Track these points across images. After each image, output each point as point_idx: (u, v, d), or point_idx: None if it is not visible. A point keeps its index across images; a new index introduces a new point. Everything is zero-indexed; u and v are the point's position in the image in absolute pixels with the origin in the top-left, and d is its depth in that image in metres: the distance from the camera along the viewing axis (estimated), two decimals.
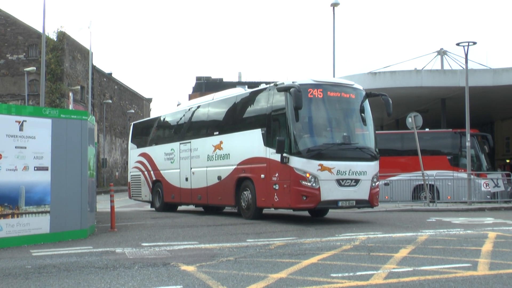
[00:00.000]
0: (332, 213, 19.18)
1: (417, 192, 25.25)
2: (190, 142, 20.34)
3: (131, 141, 25.90)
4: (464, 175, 24.47)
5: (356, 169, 15.43)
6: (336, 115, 16.15)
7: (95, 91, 59.83)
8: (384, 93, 17.13)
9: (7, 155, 11.92)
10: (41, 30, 28.67)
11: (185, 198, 20.68)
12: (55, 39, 51.02)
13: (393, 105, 17.07)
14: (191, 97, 75.88)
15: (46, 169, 12.59)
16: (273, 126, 15.85)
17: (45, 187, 12.58)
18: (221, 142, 18.34)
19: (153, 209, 23.37)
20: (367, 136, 16.36)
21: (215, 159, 18.57)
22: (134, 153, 25.08)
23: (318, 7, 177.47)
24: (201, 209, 22.78)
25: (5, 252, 11.04)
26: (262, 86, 17.31)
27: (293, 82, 15.27)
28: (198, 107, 20.71)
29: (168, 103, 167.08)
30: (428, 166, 23.68)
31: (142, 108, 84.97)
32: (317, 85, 15.64)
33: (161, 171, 22.38)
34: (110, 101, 64.03)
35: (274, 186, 15.56)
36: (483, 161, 26.29)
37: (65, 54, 51.40)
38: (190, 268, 8.71)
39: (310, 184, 14.86)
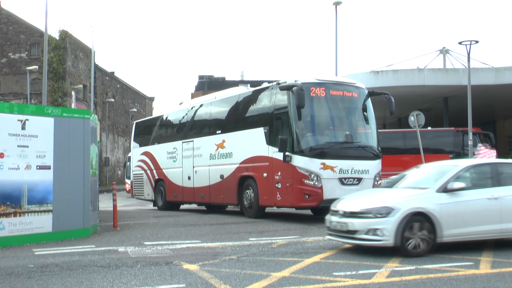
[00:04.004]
0: None
1: None
2: (192, 141, 20.35)
3: (134, 140, 25.90)
4: None
5: (359, 167, 15.43)
6: (339, 114, 16.14)
7: (97, 90, 59.85)
8: (386, 92, 17.13)
9: (9, 154, 11.94)
10: (43, 29, 28.69)
11: (188, 196, 20.69)
12: (58, 38, 51.00)
13: (396, 104, 17.06)
14: (193, 96, 75.89)
15: (48, 168, 12.62)
16: (276, 125, 15.85)
17: (47, 186, 12.60)
18: (223, 141, 18.34)
19: (156, 208, 23.39)
20: (370, 134, 16.35)
21: (218, 158, 18.57)
22: (136, 152, 25.10)
23: (320, 6, 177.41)
24: (203, 208, 22.79)
25: (7, 251, 11.06)
26: (265, 85, 17.30)
27: (295, 81, 15.27)
28: (201, 106, 20.72)
29: (171, 102, 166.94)
30: None
31: (145, 107, 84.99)
32: (320, 84, 15.63)
33: (163, 170, 22.39)
34: (112, 100, 64.02)
35: (276, 185, 15.56)
36: None
37: (67, 53, 51.41)
38: (192, 267, 8.72)
39: (312, 183, 14.87)
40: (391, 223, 9.39)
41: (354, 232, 9.67)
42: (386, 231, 9.39)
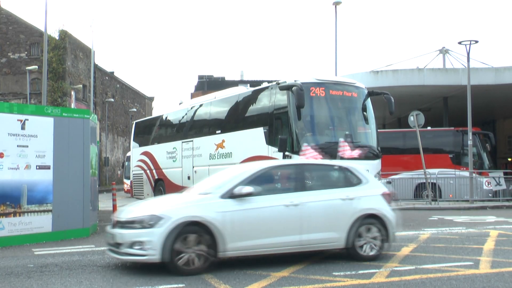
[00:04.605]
0: None
1: (419, 190, 25.24)
2: (192, 140, 20.35)
3: (133, 140, 25.91)
4: (466, 173, 24.44)
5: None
6: (338, 114, 16.14)
7: (97, 89, 59.84)
8: (386, 92, 17.12)
9: (9, 154, 11.94)
10: (43, 29, 28.69)
11: None
12: (57, 38, 51.01)
13: (395, 104, 17.05)
14: (193, 95, 75.90)
15: (48, 168, 12.61)
16: (275, 125, 15.85)
17: (47, 186, 12.59)
18: (223, 141, 18.34)
19: None
20: (369, 134, 16.35)
21: (217, 158, 18.57)
22: (136, 152, 25.09)
23: (320, 5, 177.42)
24: None
25: (7, 251, 11.05)
26: (264, 84, 17.30)
27: (295, 81, 15.27)
28: (200, 105, 20.72)
29: (170, 101, 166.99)
30: (430, 165, 23.65)
31: (144, 107, 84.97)
32: (319, 84, 15.63)
33: (163, 170, 22.38)
34: (112, 99, 63.97)
35: None
36: (485, 159, 26.27)
37: (67, 52, 51.40)
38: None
39: None
40: (157, 235, 7.99)
41: (120, 245, 8.30)
42: (152, 244, 7.98)
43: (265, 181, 9.16)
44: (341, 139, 14.64)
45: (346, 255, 9.30)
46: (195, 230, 8.16)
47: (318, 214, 8.98)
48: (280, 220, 8.73)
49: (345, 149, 14.26)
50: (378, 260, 9.13)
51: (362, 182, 9.73)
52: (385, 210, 9.56)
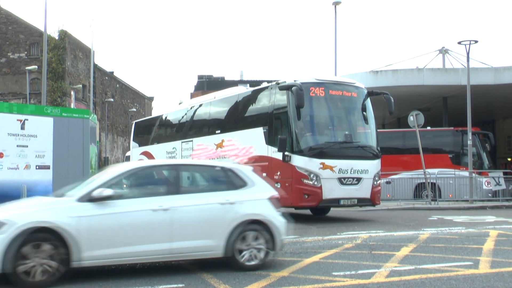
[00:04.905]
0: (333, 211, 19.19)
1: (418, 190, 25.26)
2: (192, 140, 20.34)
3: (133, 140, 25.92)
4: (465, 173, 24.46)
5: (358, 167, 15.43)
6: (338, 114, 16.15)
7: (96, 89, 59.85)
8: (386, 92, 17.14)
9: (8, 154, 11.96)
10: (42, 29, 28.70)
11: None
12: (57, 38, 51.04)
13: (395, 104, 17.07)
14: (193, 95, 75.89)
15: (47, 167, 12.63)
16: (275, 125, 15.85)
17: (46, 186, 12.60)
18: (222, 141, 18.34)
19: None
20: (369, 134, 16.36)
21: (217, 158, 18.57)
22: (136, 152, 25.09)
23: (320, 5, 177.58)
24: None
25: None
26: (264, 84, 17.32)
27: (295, 81, 15.28)
28: (200, 105, 20.72)
29: (170, 101, 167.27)
30: (429, 165, 23.67)
31: (144, 107, 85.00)
32: (319, 84, 15.64)
33: None
34: (111, 99, 64.01)
35: (276, 185, 15.54)
36: (484, 159, 26.29)
37: (66, 52, 51.41)
38: (192, 267, 8.72)
39: (312, 183, 14.87)
40: None
41: None
42: None
43: (133, 183, 8.56)
44: (199, 143, 13.08)
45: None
46: (45, 237, 7.33)
47: (192, 220, 8.21)
48: (147, 226, 7.95)
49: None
50: (261, 269, 8.36)
51: (247, 184, 8.89)
52: (271, 215, 8.73)
